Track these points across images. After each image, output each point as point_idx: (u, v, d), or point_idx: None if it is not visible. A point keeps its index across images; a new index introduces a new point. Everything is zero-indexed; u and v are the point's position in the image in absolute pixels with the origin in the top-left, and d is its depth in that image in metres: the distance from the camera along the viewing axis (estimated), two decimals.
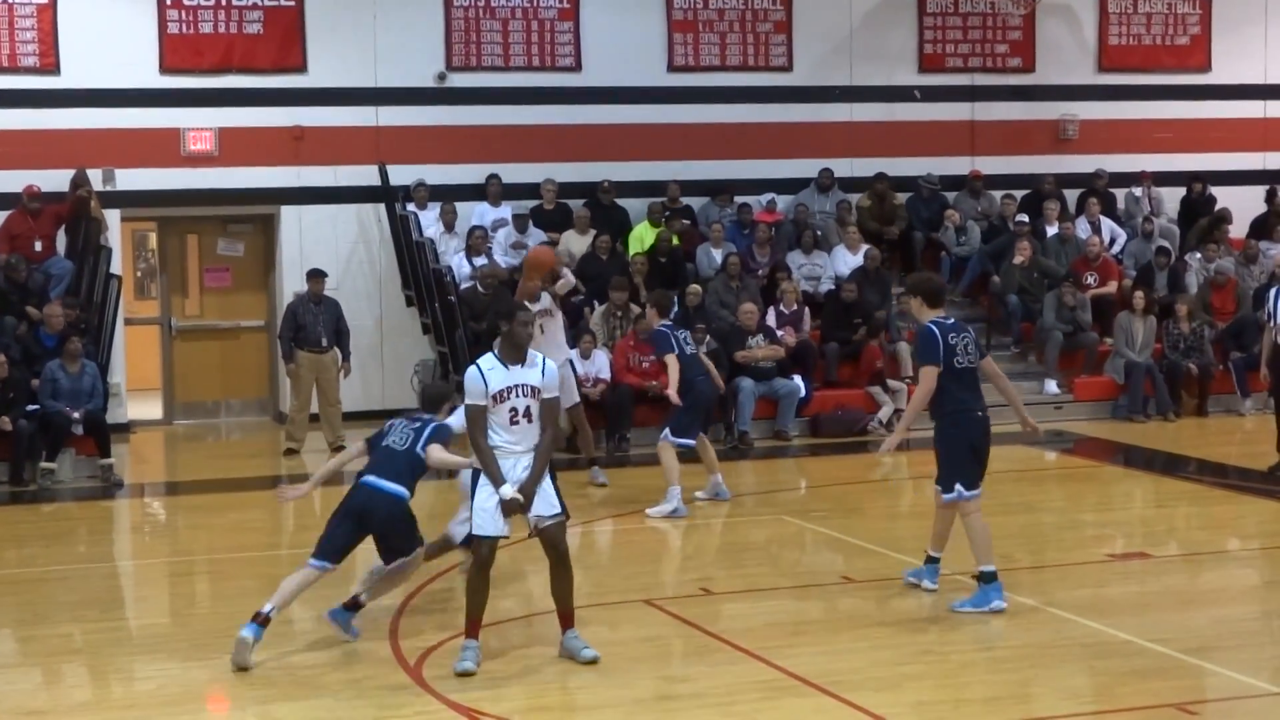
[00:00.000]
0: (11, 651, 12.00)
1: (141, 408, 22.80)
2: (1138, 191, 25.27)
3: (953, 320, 12.42)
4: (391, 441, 11.55)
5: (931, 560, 12.70)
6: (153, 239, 24.34)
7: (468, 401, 10.66)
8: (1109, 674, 10.97)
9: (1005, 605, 11.88)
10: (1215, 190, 25.48)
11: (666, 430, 16.20)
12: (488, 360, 10.71)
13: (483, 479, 10.65)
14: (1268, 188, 25.87)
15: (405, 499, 11.39)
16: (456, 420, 11.78)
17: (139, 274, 25.50)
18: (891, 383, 21.22)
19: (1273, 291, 17.62)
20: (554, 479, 10.89)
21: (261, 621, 10.89)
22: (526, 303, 17.14)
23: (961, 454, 12.25)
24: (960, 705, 10.17)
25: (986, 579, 12.12)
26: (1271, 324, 17.37)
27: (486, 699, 10.26)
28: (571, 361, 17.54)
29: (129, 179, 22.04)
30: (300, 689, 10.60)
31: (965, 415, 12.15)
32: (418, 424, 11.65)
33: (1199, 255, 24.12)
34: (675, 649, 11.44)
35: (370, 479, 11.37)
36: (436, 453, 11.40)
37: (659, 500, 16.03)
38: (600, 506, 16.94)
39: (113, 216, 21.83)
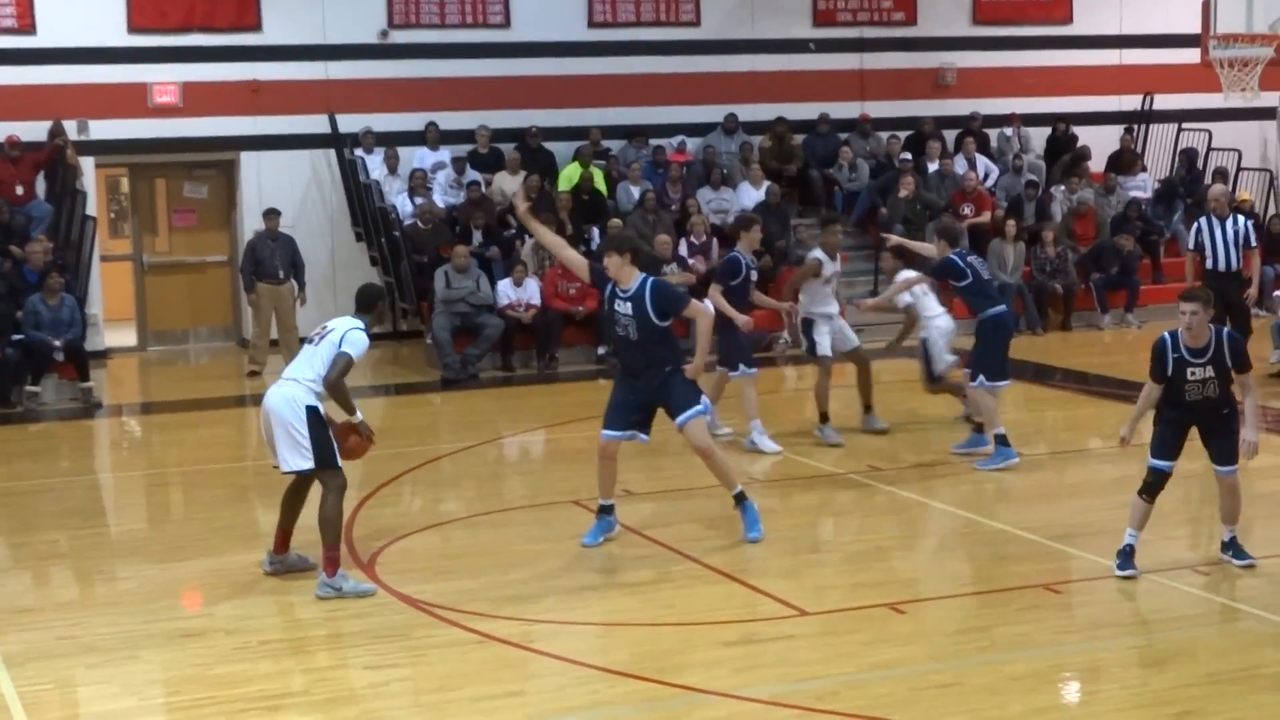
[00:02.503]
0: (3, 557, 11.91)
1: (117, 336, 22.57)
2: (1009, 131, 25.33)
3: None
4: None
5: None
6: (124, 183, 24.03)
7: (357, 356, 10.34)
8: (985, 559, 11.10)
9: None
10: (1077, 130, 25.57)
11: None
12: None
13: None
14: (1123, 127, 26.00)
15: None
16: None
17: (113, 215, 25.17)
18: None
19: (1199, 223, 17.46)
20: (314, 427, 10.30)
21: None
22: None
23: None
24: (855, 590, 10.25)
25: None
26: (1206, 255, 17.15)
27: (430, 591, 10.28)
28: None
29: (101, 129, 21.76)
30: (265, 586, 10.58)
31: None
32: None
33: (1063, 188, 24.22)
34: (601, 544, 11.46)
35: None
36: None
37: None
38: (533, 418, 16.94)
39: (87, 163, 21.58)
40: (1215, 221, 17.22)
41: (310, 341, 10.46)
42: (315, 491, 10.58)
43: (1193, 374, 10.04)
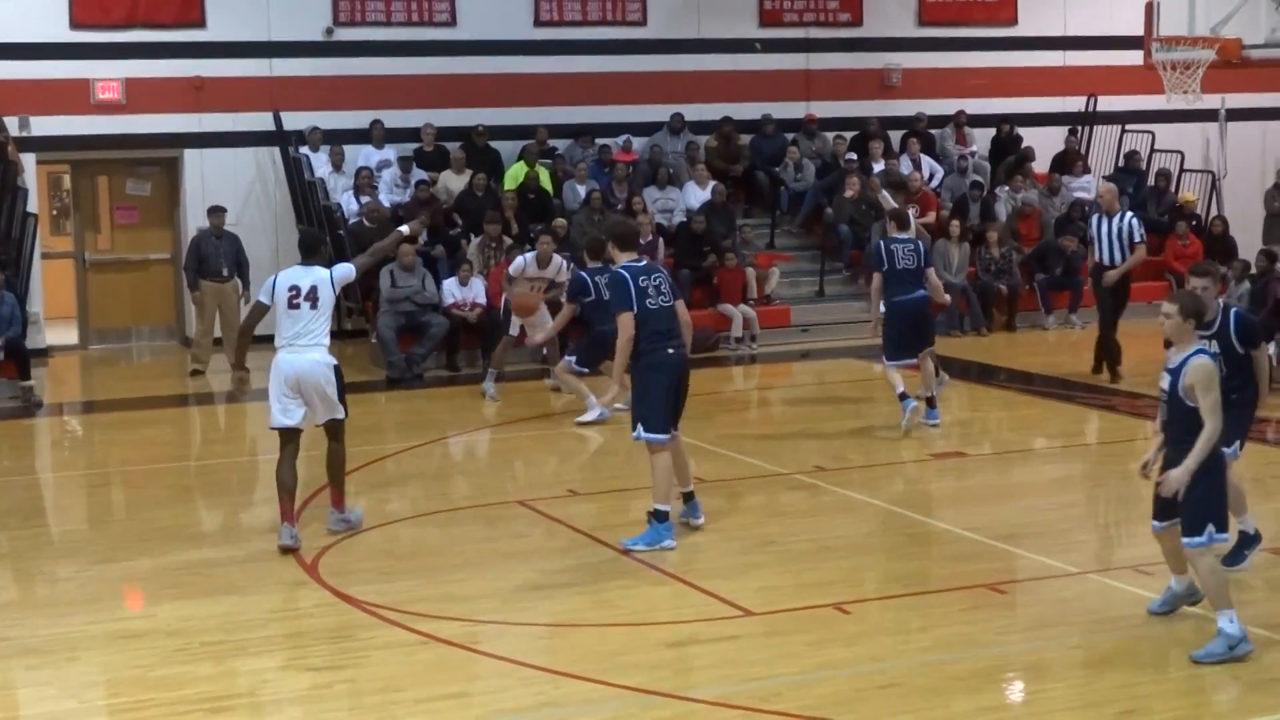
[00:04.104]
0: None
1: (59, 334, 22.41)
2: (962, 146, 25.44)
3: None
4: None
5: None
6: (66, 180, 23.87)
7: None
8: (929, 559, 11.12)
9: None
10: (1021, 130, 25.70)
11: (571, 359, 16.19)
12: None
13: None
14: (1067, 128, 26.16)
15: None
16: None
17: (54, 212, 25.00)
18: (741, 307, 21.23)
19: (1093, 219, 18.06)
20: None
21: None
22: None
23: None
24: (799, 589, 10.26)
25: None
26: (1096, 248, 17.89)
27: (374, 592, 10.23)
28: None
29: (43, 125, 21.60)
30: (208, 587, 10.52)
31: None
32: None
33: (1007, 188, 24.33)
34: (546, 545, 11.45)
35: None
36: None
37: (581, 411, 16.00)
38: (478, 418, 16.90)
39: (29, 160, 21.38)
40: (1103, 218, 17.88)
41: (294, 305, 11.40)
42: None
43: None
